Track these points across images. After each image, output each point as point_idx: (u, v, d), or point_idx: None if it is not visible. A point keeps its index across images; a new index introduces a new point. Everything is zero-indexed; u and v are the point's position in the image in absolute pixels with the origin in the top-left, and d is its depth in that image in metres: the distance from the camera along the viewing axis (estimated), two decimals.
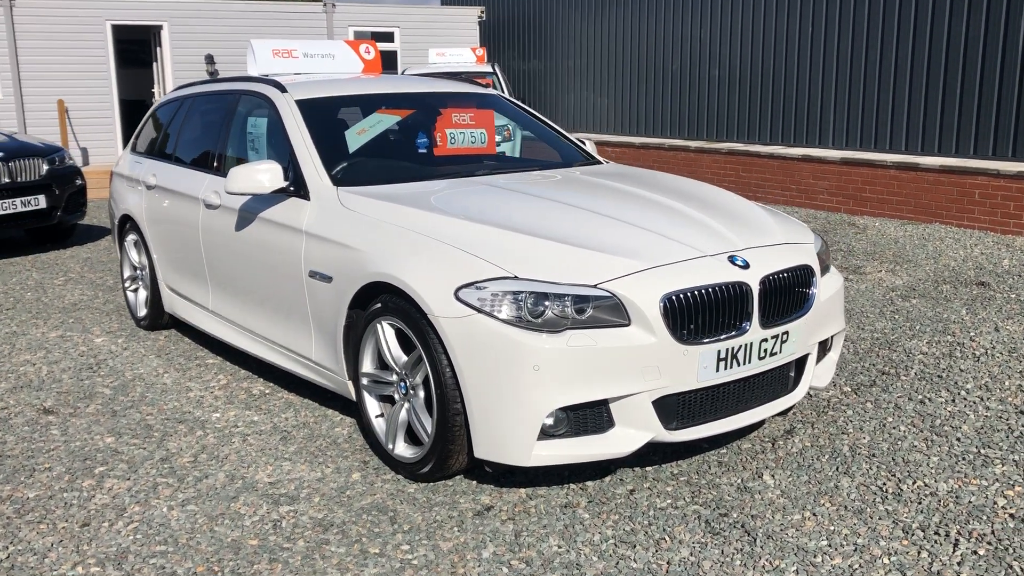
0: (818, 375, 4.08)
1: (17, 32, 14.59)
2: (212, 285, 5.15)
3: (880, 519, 3.36)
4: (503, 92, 12.44)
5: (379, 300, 3.72)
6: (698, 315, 3.43)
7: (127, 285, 6.39)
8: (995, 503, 3.47)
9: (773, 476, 3.73)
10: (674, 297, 3.38)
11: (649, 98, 13.85)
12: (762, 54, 11.84)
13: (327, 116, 4.85)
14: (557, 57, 16.05)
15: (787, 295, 3.70)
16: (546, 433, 3.35)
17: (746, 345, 3.54)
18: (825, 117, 11.21)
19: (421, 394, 3.64)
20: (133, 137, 6.66)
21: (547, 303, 3.31)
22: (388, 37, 16.93)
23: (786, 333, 3.69)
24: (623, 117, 14.48)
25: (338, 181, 4.33)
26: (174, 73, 15.32)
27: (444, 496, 3.61)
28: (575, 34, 15.32)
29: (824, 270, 4.08)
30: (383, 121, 4.92)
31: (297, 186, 4.38)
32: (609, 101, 14.77)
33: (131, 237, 6.21)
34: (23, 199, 8.89)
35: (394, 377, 3.78)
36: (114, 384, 5.10)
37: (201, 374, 5.24)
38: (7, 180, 8.76)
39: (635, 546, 3.22)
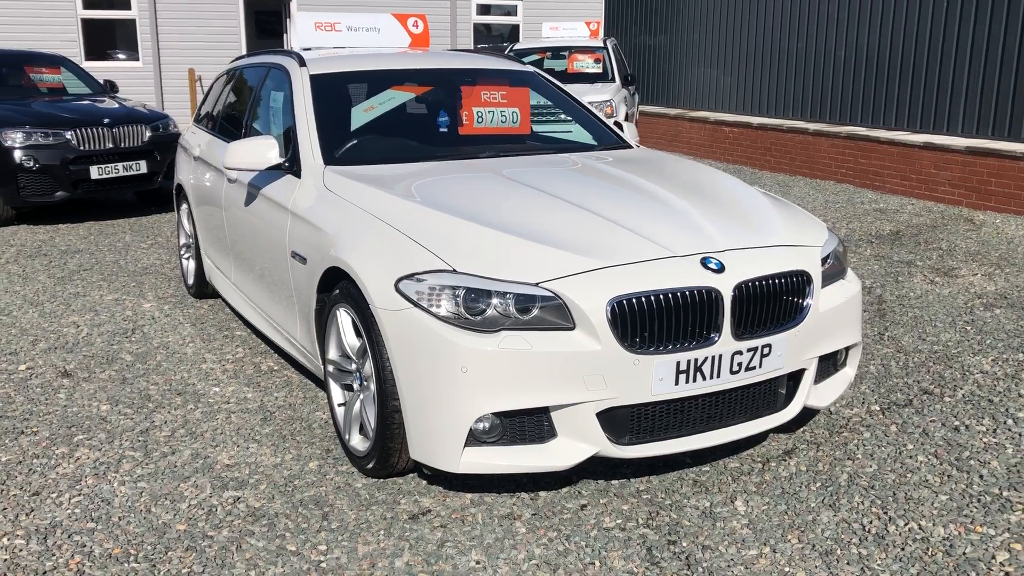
0: (819, 394, 3.66)
1: (158, 2, 15.25)
2: (232, 257, 5.16)
3: (847, 564, 2.98)
4: (611, 69, 12.07)
5: (338, 286, 3.59)
6: (653, 322, 3.11)
7: (182, 253, 6.53)
8: (993, 557, 3.02)
9: (747, 502, 3.38)
10: (624, 301, 3.08)
11: (771, 77, 13.13)
12: (891, 34, 10.96)
13: (340, 92, 4.73)
14: (682, 32, 15.45)
15: (772, 304, 3.33)
16: (478, 439, 3.14)
17: (714, 357, 3.20)
18: (955, 101, 10.29)
19: (371, 387, 3.48)
20: (197, 108, 6.77)
21: (486, 300, 3.07)
22: (512, 11, 16.73)
23: (768, 346, 3.31)
24: (743, 96, 13.79)
25: (330, 159, 4.22)
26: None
27: (387, 494, 3.46)
28: (702, 7, 14.68)
29: (833, 276, 3.66)
30: (395, 98, 4.75)
31: (292, 163, 4.29)
32: (731, 79, 14.10)
33: (184, 206, 6.33)
34: (125, 164, 9.26)
35: (353, 366, 3.64)
36: (138, 351, 5.20)
37: (222, 346, 5.26)
38: (111, 145, 9.14)
39: (557, 569, 2.97)
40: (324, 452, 3.83)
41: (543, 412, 3.13)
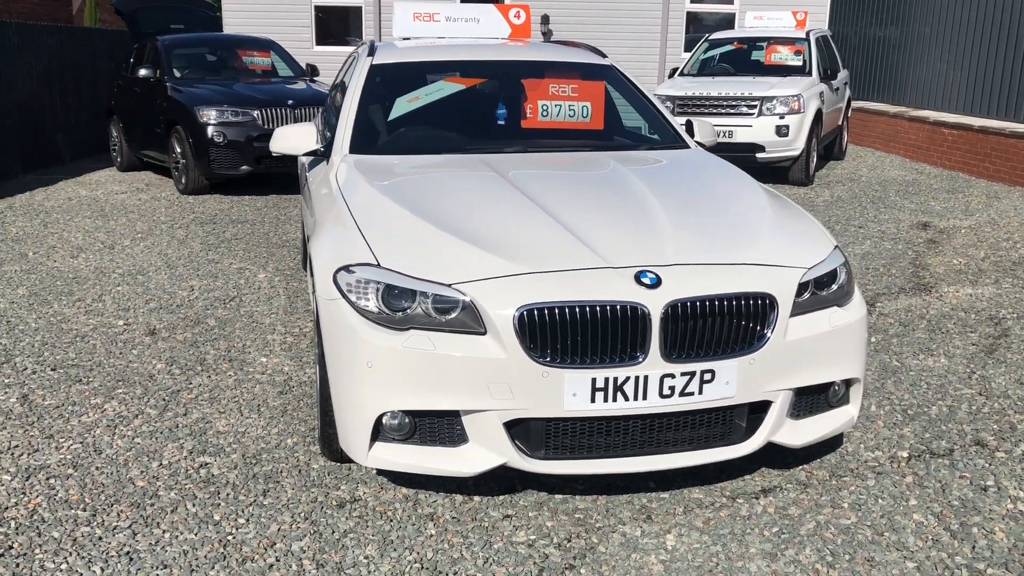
0: (796, 431, 3.32)
1: None
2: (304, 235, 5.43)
3: None
4: (810, 62, 11.36)
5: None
6: (567, 334, 2.96)
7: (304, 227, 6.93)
8: None
9: (681, 538, 3.14)
10: (535, 310, 2.95)
11: (1005, 73, 11.78)
12: None
13: (396, 81, 4.82)
14: (913, 23, 14.20)
15: (718, 326, 3.05)
16: (387, 435, 3.13)
17: (639, 378, 2.99)
18: None
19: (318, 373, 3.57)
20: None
21: (407, 298, 3.06)
22: None
23: (710, 372, 3.05)
24: (972, 93, 12.48)
25: (355, 147, 4.33)
26: None
27: (333, 479, 3.53)
28: None
29: (824, 301, 3.29)
30: (443, 89, 4.78)
31: (327, 149, 4.44)
32: (960, 74, 12.80)
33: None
34: None
35: None
36: (224, 316, 5.60)
37: (300, 319, 5.56)
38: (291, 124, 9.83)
39: (436, 575, 2.92)
40: (309, 430, 3.97)
41: (455, 416, 3.07)
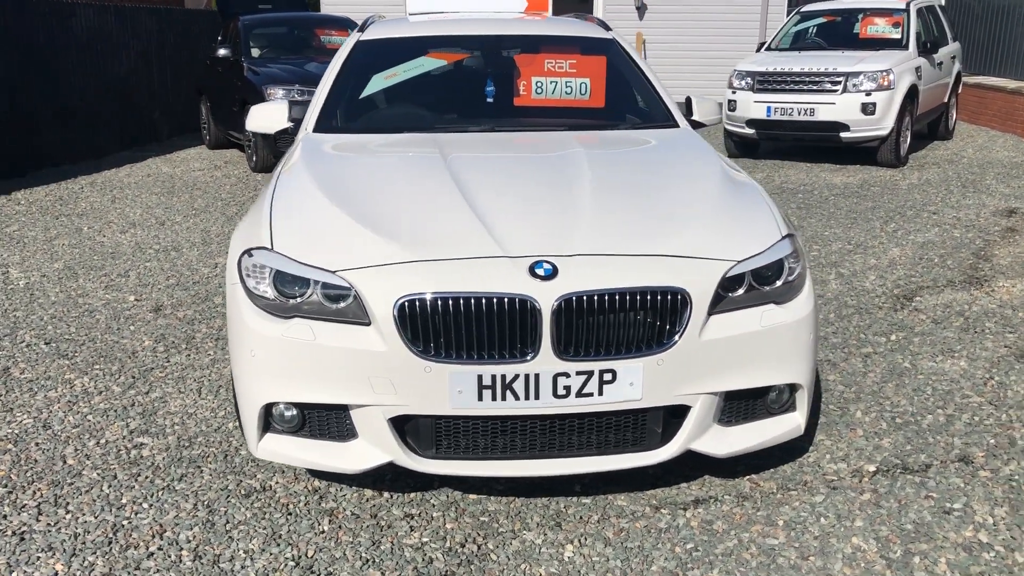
0: (722, 439, 3.02)
1: None
2: None
3: None
4: (908, 35, 10.61)
5: None
6: (451, 328, 2.76)
7: None
8: None
9: (582, 550, 2.92)
10: (417, 301, 2.76)
11: None
12: None
13: (382, 58, 4.68)
14: None
15: (618, 323, 2.79)
16: (276, 427, 3.02)
17: (529, 376, 2.77)
18: None
19: None
20: None
21: (299, 284, 2.93)
22: None
23: (610, 372, 2.80)
24: None
25: (319, 126, 4.23)
26: (604, 8, 15.58)
27: (255, 467, 3.46)
28: None
29: (762, 298, 2.99)
30: (423, 65, 4.60)
31: (296, 128, 4.36)
32: None
33: None
34: None
35: None
36: None
37: None
38: None
39: (307, 571, 2.80)
40: None
41: (344, 410, 2.93)
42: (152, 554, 2.92)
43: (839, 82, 9.94)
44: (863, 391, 4.05)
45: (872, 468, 3.38)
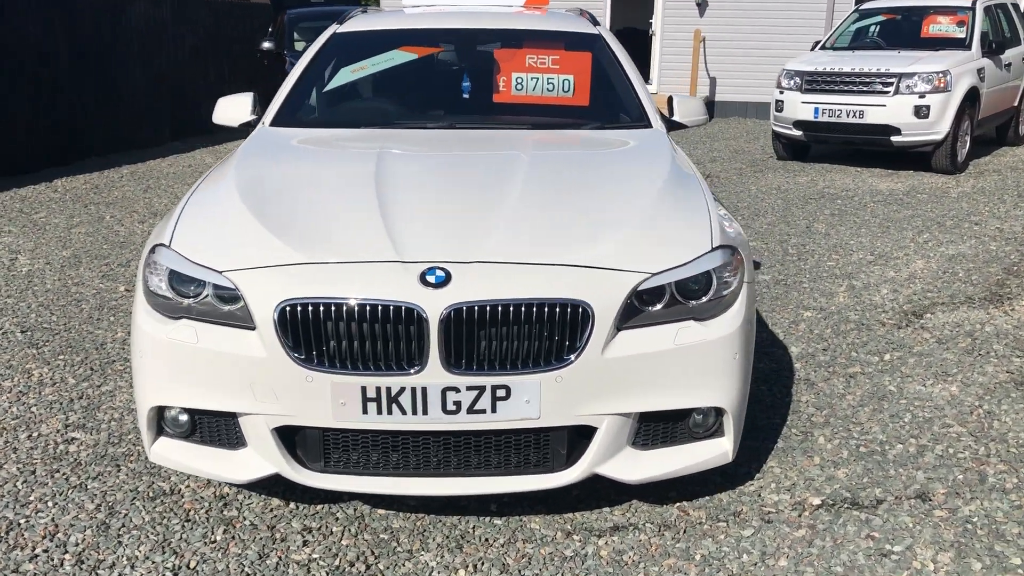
0: (631, 463, 2.80)
1: None
2: None
3: None
4: (972, 34, 10.06)
5: None
6: (332, 335, 2.61)
7: None
8: None
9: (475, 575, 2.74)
10: (299, 306, 2.62)
11: None
12: None
13: (355, 51, 4.55)
14: None
15: (512, 336, 2.60)
16: (167, 431, 2.92)
17: (416, 389, 2.61)
18: None
19: None
20: None
21: (192, 283, 2.81)
22: None
23: (504, 388, 2.61)
24: None
25: (278, 119, 4.13)
26: (663, 5, 15.22)
27: (168, 470, 3.36)
28: None
29: (698, 310, 2.77)
30: (393, 59, 4.45)
31: (259, 120, 4.26)
32: None
33: None
34: None
35: None
36: None
37: None
38: None
39: (178, 571, 2.69)
40: None
41: (232, 417, 2.80)
42: (36, 556, 2.84)
43: (891, 83, 9.47)
44: (835, 415, 3.76)
45: (817, 501, 3.12)
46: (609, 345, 2.65)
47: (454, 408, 2.62)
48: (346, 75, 4.43)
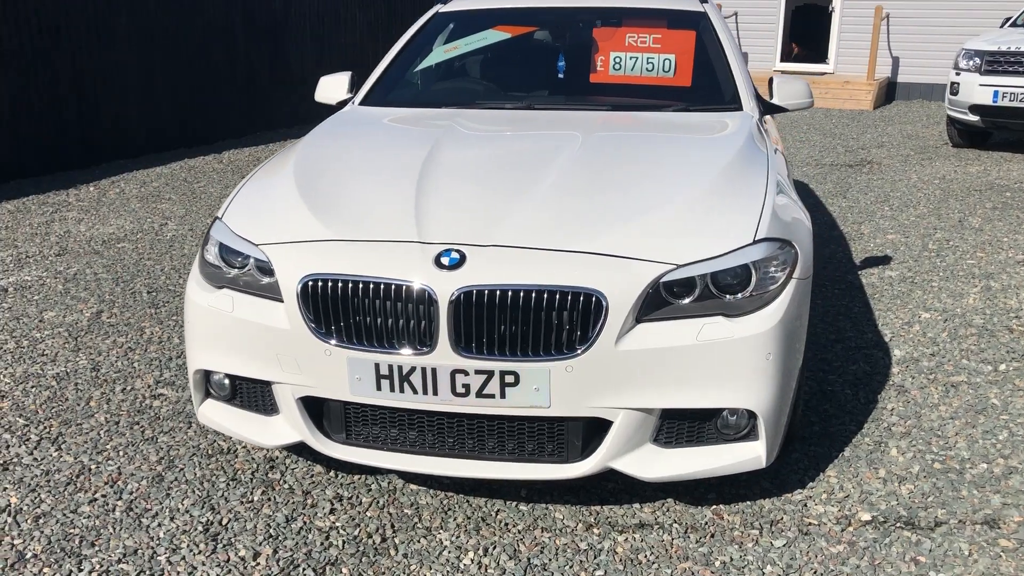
0: (649, 460, 2.69)
1: None
2: None
3: None
4: None
5: None
6: (348, 311, 2.66)
7: None
8: None
9: (482, 560, 2.73)
10: (320, 281, 2.68)
11: None
12: None
13: (457, 29, 4.58)
14: None
15: (523, 322, 2.56)
16: (213, 394, 3.07)
17: (426, 370, 2.62)
18: None
19: None
20: None
21: (238, 256, 2.95)
22: None
23: (512, 374, 2.58)
24: None
25: (369, 98, 4.23)
26: None
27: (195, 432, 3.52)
28: None
29: (733, 305, 2.63)
30: (487, 38, 4.43)
31: (355, 99, 4.38)
32: None
33: None
34: None
35: None
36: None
37: None
38: None
39: (152, 558, 2.83)
40: None
41: (267, 384, 2.92)
42: (95, 499, 3.06)
43: None
44: (919, 426, 3.48)
45: (867, 517, 2.90)
46: (624, 337, 2.56)
47: (463, 391, 2.62)
48: (439, 54, 4.47)
